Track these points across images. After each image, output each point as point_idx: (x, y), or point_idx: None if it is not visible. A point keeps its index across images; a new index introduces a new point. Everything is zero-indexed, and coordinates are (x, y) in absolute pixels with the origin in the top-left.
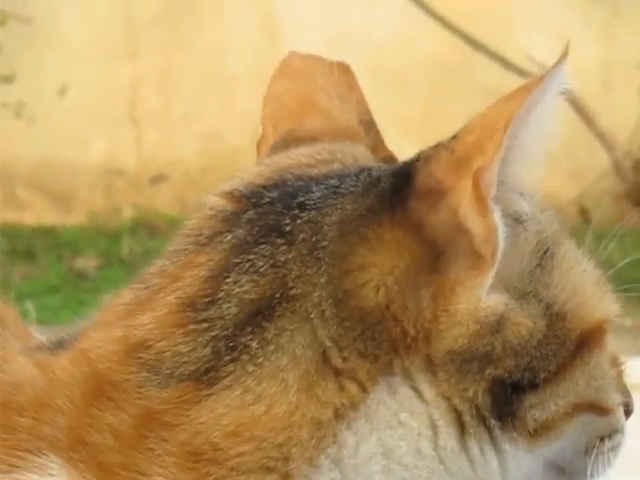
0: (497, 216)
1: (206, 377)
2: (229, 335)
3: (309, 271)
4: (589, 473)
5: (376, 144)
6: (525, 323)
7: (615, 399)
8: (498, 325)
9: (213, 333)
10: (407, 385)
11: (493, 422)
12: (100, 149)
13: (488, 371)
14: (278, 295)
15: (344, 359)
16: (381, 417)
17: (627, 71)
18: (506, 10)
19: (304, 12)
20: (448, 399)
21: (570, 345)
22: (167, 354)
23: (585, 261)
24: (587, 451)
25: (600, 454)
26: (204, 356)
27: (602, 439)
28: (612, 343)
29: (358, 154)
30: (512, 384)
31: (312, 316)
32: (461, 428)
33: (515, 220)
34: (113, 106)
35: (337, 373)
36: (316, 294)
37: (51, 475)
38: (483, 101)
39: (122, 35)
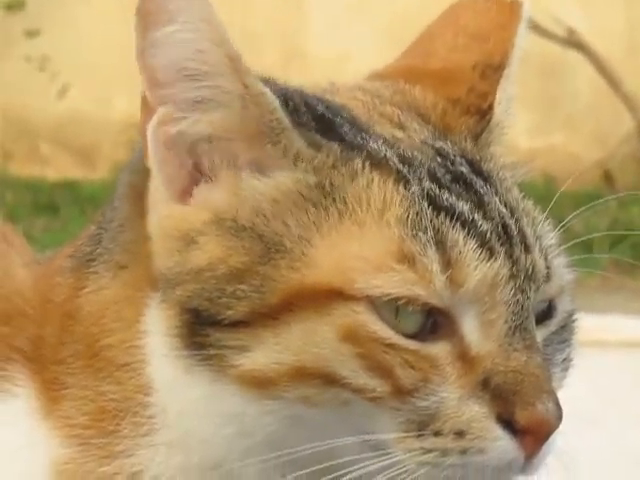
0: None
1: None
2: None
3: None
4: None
5: (487, 90)
6: (216, 251)
7: (377, 385)
8: (185, 243)
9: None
10: (154, 306)
11: (185, 352)
12: (123, 104)
13: (177, 292)
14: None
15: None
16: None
17: None
18: None
19: None
20: (160, 321)
21: (276, 296)
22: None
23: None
24: (382, 445)
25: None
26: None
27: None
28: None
29: (383, 97)
30: (200, 314)
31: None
32: (168, 351)
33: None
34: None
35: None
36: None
37: (17, 386)
38: None
39: None
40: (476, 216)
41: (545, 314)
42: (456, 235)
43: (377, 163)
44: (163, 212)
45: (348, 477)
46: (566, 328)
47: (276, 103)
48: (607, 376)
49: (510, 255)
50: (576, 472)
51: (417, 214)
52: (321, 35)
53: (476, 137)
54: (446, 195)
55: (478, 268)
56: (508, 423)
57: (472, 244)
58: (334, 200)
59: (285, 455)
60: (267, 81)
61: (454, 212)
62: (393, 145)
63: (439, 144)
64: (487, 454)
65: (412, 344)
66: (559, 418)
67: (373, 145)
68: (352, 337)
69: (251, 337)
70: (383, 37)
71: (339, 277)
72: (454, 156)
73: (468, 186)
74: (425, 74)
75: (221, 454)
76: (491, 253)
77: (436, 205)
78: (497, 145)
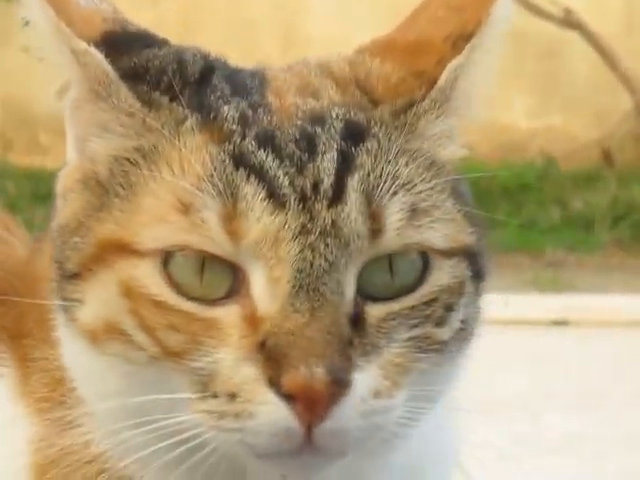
0: None
1: None
2: None
3: None
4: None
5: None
6: (74, 207)
7: (149, 345)
8: (63, 201)
9: None
10: None
11: (57, 302)
12: None
13: (53, 249)
14: None
15: None
16: None
17: None
18: None
19: None
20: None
21: (91, 248)
22: None
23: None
24: (179, 405)
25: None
26: None
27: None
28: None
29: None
30: (60, 268)
31: None
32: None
33: None
34: None
35: None
36: None
37: (2, 366)
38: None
39: None
40: (281, 172)
41: (399, 290)
42: (247, 189)
43: (208, 124)
44: (63, 172)
45: (159, 432)
46: (432, 303)
47: (100, 59)
48: (609, 355)
49: (309, 211)
50: (580, 450)
51: (215, 169)
52: (321, 20)
53: (403, 109)
54: (261, 154)
55: (260, 220)
56: (279, 387)
57: (261, 197)
58: (151, 160)
59: (146, 423)
60: (151, 41)
61: (258, 169)
62: (254, 110)
63: (335, 112)
64: (257, 418)
65: (187, 305)
66: (330, 385)
67: (224, 108)
68: (128, 292)
69: (81, 290)
70: (384, 21)
71: (127, 232)
72: (332, 119)
73: (309, 146)
74: (397, 47)
75: (110, 421)
76: (280, 207)
77: (241, 162)
78: (451, 117)
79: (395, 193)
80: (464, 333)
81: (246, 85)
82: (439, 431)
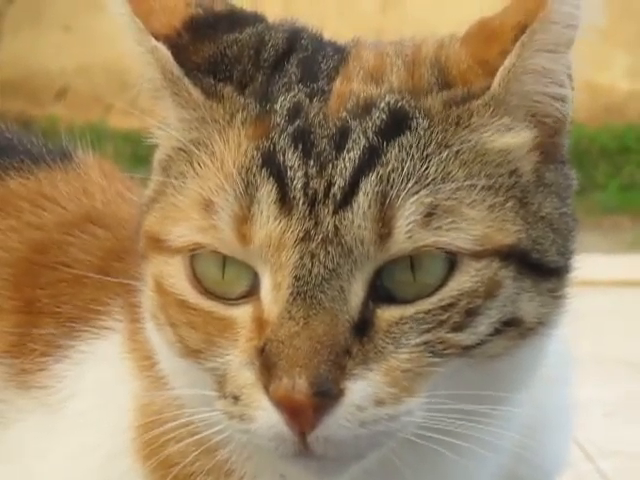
0: None
1: None
2: None
3: None
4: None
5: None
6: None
7: (174, 340)
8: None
9: None
10: None
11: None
12: None
13: None
14: None
15: None
16: None
17: None
18: None
19: None
20: None
21: (142, 237)
22: None
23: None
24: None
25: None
26: None
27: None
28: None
29: None
30: None
31: None
32: None
33: None
34: None
35: None
36: None
37: (116, 321)
38: None
39: None
40: (300, 173)
41: (420, 291)
42: (263, 190)
43: (260, 117)
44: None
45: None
46: (449, 308)
47: (168, 55)
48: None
49: (315, 216)
50: (578, 413)
51: (243, 168)
52: None
53: (461, 100)
54: (289, 152)
55: (266, 225)
56: (269, 395)
57: (271, 200)
58: (199, 154)
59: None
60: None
61: (280, 169)
62: (311, 99)
63: (385, 101)
64: (255, 423)
65: (207, 304)
66: (312, 397)
67: (280, 99)
68: (158, 289)
69: (143, 272)
70: None
71: (162, 227)
72: (378, 110)
73: (340, 142)
74: (479, 32)
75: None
76: (287, 212)
77: (268, 161)
78: (507, 116)
79: (416, 192)
80: (514, 333)
81: (319, 68)
82: (556, 392)
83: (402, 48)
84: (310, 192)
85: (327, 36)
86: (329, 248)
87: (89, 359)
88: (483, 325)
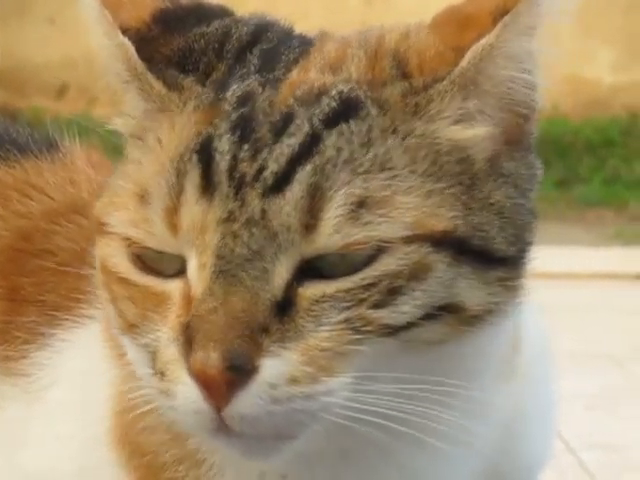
0: None
1: None
2: None
3: None
4: None
5: None
6: None
7: (115, 316)
8: None
9: None
10: None
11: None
12: None
13: None
14: None
15: None
16: None
17: None
18: None
19: None
20: None
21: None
22: None
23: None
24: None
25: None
26: None
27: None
28: None
29: None
30: None
31: None
32: None
33: None
34: None
35: None
36: None
37: (97, 309)
38: None
39: None
40: (228, 158)
41: (345, 269)
42: (188, 176)
43: (212, 104)
44: None
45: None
46: (370, 287)
47: (132, 51)
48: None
49: (241, 199)
50: (560, 406)
51: (177, 155)
52: None
53: (421, 88)
54: (225, 138)
55: (190, 210)
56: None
57: (196, 185)
58: (149, 139)
59: None
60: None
61: (211, 154)
62: (264, 88)
63: (336, 90)
64: (177, 398)
65: (145, 280)
66: (224, 371)
67: (233, 86)
68: (102, 268)
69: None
70: None
71: (104, 211)
72: (329, 98)
73: (282, 129)
74: (451, 18)
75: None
76: (210, 195)
77: (204, 148)
78: (473, 100)
79: (348, 183)
80: (452, 319)
81: (280, 59)
82: (537, 387)
83: (366, 38)
84: (237, 175)
85: (312, 30)
86: (254, 230)
87: (70, 347)
88: (407, 305)
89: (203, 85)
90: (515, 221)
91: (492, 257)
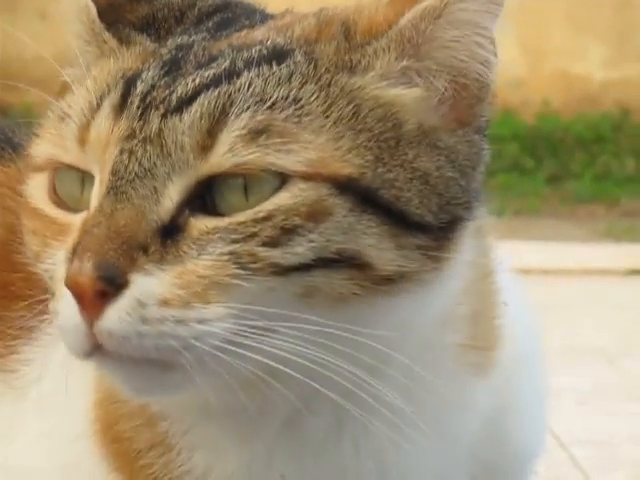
0: None
1: None
2: None
3: None
4: None
5: None
6: None
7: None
8: None
9: None
10: None
11: None
12: None
13: None
14: None
15: None
16: None
17: None
18: None
19: None
20: None
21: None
22: None
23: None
24: None
25: None
26: None
27: None
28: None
29: None
30: None
31: None
32: None
33: None
34: None
35: None
36: None
37: None
38: None
39: None
40: (147, 83)
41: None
42: (109, 99)
43: (152, 51)
44: None
45: None
46: (262, 222)
47: (93, 11)
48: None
49: (144, 120)
50: (551, 402)
51: (104, 82)
52: None
53: (358, 45)
54: (152, 68)
55: (98, 126)
56: None
57: (110, 104)
58: (85, 77)
59: None
60: None
61: (133, 83)
62: (204, 41)
63: (270, 41)
64: (60, 316)
65: (55, 212)
66: (94, 281)
67: (175, 38)
68: (25, 205)
69: None
70: None
71: (34, 147)
72: (260, 46)
73: (206, 63)
74: None
75: None
76: (118, 114)
77: (128, 79)
78: (409, 60)
79: (251, 110)
80: (359, 275)
81: (236, 26)
82: (524, 382)
83: (326, 12)
84: (149, 99)
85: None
86: (148, 147)
87: (55, 341)
88: (301, 247)
89: (155, 42)
90: (441, 192)
91: (409, 220)
